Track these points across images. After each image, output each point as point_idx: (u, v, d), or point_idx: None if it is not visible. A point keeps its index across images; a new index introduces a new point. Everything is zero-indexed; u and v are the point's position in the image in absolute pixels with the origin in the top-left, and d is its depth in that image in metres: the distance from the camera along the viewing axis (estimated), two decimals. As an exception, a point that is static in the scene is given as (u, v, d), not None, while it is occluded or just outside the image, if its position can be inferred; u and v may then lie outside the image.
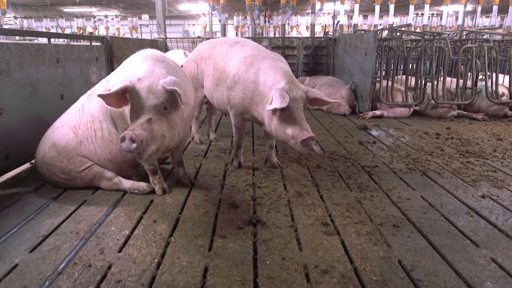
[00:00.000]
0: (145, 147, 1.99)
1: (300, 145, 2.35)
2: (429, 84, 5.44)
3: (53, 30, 21.40)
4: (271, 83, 2.56)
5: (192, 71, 3.49)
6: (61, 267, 1.72)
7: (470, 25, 16.98)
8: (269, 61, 2.74)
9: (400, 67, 6.47)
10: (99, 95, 2.09)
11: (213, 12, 13.68)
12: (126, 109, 2.28)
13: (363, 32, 6.93)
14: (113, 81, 2.36)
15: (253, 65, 2.73)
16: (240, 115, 2.88)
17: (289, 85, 2.46)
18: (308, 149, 2.37)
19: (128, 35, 20.92)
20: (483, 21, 18.38)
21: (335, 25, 10.67)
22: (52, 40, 3.38)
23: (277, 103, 2.33)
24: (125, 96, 2.14)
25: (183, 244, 1.92)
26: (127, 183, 2.59)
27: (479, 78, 5.55)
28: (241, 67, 2.78)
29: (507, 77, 5.73)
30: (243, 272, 1.68)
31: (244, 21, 20.96)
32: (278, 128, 2.46)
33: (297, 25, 20.91)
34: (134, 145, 1.95)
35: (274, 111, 2.45)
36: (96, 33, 20.45)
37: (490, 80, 5.29)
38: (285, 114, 2.42)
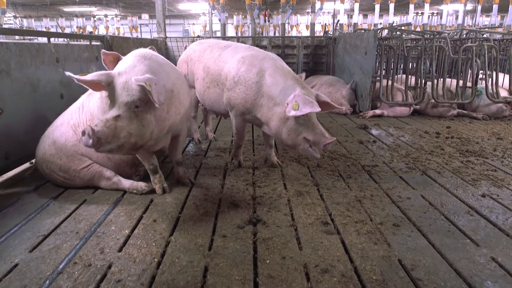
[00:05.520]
0: (103, 144, 1.98)
1: (320, 149, 2.43)
2: (429, 83, 5.43)
3: (53, 30, 21.41)
4: (281, 86, 2.57)
5: (183, 72, 3.49)
6: (61, 266, 1.73)
7: (470, 24, 16.99)
8: (271, 61, 2.74)
9: (400, 66, 6.47)
10: (78, 80, 2.07)
11: (213, 12, 13.68)
12: None
13: (363, 31, 6.92)
14: None
15: (254, 65, 2.72)
16: (241, 115, 2.87)
17: (305, 90, 2.48)
18: (321, 152, 2.41)
19: (128, 35, 20.91)
20: (483, 20, 18.38)
21: (335, 24, 10.65)
22: (52, 39, 3.37)
23: (308, 108, 2.32)
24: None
25: (183, 243, 1.92)
26: (126, 183, 2.59)
27: (479, 77, 5.55)
28: (240, 67, 2.77)
29: (507, 76, 5.73)
30: (243, 271, 1.68)
31: (244, 20, 20.96)
32: (292, 132, 2.48)
33: (297, 24, 20.91)
34: (90, 141, 1.95)
35: None
36: (96, 33, 20.43)
37: (490, 79, 5.29)
38: (302, 118, 2.44)
